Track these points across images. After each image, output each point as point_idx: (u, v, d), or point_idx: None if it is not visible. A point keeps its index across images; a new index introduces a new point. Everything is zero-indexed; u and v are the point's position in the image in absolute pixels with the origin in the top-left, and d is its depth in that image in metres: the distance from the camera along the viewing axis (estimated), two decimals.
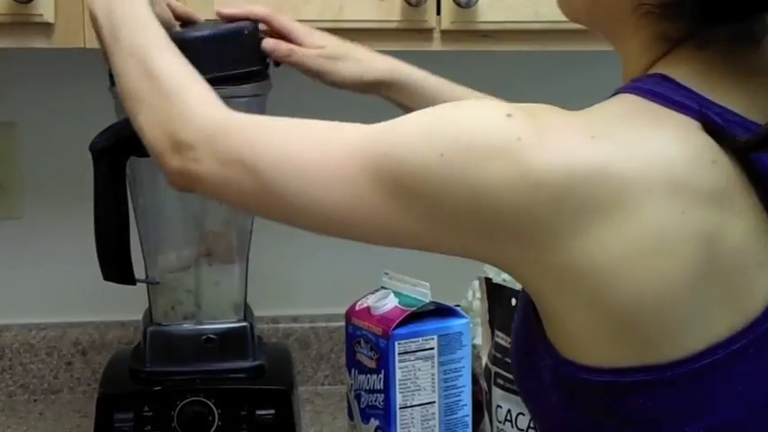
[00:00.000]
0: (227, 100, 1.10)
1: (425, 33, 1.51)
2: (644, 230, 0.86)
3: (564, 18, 1.06)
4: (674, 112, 0.90)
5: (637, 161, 0.87)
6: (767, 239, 0.89)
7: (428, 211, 0.91)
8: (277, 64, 1.43)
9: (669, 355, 0.87)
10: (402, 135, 0.93)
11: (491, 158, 0.88)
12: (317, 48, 1.39)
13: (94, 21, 1.20)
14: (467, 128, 0.91)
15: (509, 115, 0.90)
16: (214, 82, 1.35)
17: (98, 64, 1.44)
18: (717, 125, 0.89)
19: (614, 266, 0.87)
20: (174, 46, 1.16)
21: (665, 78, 0.93)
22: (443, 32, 1.51)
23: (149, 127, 1.09)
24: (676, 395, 0.88)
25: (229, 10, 1.40)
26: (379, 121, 0.96)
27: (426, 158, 0.90)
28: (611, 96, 0.94)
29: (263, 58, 1.41)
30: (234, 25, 1.39)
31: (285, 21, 1.41)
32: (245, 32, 1.39)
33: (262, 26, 1.42)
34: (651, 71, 0.95)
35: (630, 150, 0.88)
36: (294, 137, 0.99)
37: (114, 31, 1.18)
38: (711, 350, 0.87)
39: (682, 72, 0.93)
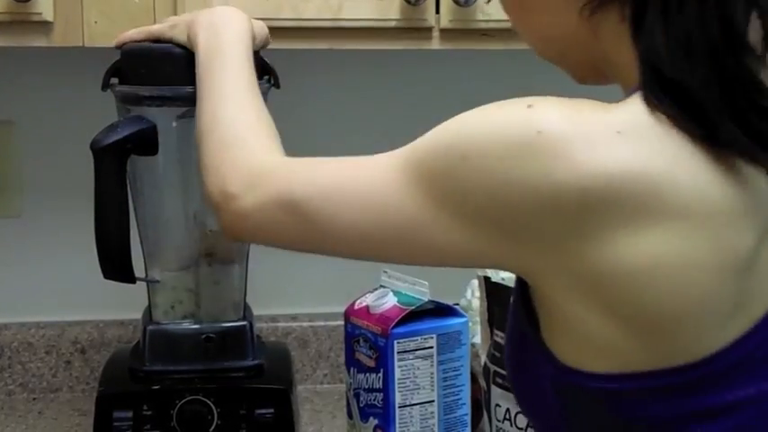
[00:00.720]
0: None
1: (424, 32, 1.51)
2: (671, 237, 0.83)
3: None
4: None
5: (663, 162, 0.84)
6: None
7: (457, 215, 0.88)
8: (277, 85, 1.42)
9: (681, 359, 0.85)
10: (429, 143, 0.92)
11: (511, 157, 0.85)
12: None
13: (195, 46, 1.25)
14: (484, 126, 0.88)
15: (529, 106, 0.87)
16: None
17: (97, 63, 1.45)
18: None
19: (639, 273, 0.83)
20: (255, 89, 1.18)
21: None
22: (442, 31, 1.51)
23: (206, 174, 1.11)
24: (686, 400, 0.86)
25: None
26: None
27: (451, 162, 0.88)
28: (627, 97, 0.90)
29: (262, 76, 1.41)
30: None
31: None
32: None
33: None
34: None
35: (657, 150, 0.84)
36: (327, 166, 1.00)
37: (205, 64, 1.21)
38: (723, 354, 0.85)
39: None
